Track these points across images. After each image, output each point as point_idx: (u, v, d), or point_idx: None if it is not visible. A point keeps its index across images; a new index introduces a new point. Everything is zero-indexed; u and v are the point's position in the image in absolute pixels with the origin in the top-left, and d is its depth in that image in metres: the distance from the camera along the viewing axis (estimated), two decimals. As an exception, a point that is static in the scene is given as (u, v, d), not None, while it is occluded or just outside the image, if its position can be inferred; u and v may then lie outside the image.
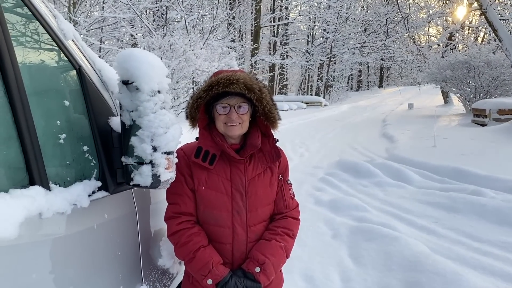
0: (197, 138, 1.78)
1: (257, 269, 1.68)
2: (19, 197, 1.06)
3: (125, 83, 1.40)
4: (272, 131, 1.80)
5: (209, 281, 1.62)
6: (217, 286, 1.63)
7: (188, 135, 1.79)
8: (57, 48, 1.38)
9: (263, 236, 1.78)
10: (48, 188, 1.20)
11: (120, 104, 1.43)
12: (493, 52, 17.98)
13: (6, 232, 0.98)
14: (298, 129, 17.53)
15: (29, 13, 1.26)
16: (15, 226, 1.00)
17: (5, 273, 0.99)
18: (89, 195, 1.36)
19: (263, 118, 1.75)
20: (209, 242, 1.72)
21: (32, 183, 1.15)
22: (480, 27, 29.48)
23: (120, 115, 1.44)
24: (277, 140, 1.82)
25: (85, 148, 1.42)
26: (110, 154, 1.48)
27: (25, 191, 1.10)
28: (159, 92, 1.40)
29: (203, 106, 1.73)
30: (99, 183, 1.44)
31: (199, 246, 1.66)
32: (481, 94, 18.02)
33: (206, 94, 1.67)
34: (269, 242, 1.75)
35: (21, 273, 1.04)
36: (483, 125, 13.84)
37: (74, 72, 1.44)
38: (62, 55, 1.40)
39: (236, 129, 1.69)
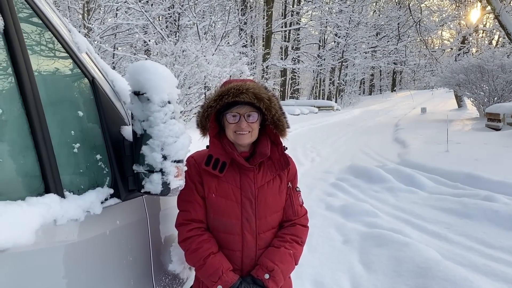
0: (207, 146, 1.82)
1: (266, 276, 1.70)
2: (35, 205, 1.10)
3: (137, 94, 1.44)
4: (281, 139, 1.83)
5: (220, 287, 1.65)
6: None
7: (199, 143, 1.83)
8: (71, 61, 1.43)
9: (272, 243, 1.81)
10: (63, 196, 1.24)
11: (131, 114, 1.48)
12: (507, 56, 17.77)
13: (23, 238, 1.02)
14: (309, 134, 17.52)
15: (44, 26, 1.32)
16: (31, 232, 1.04)
17: (21, 279, 1.03)
18: (102, 202, 1.41)
19: (272, 127, 1.78)
20: (219, 249, 1.75)
21: (47, 191, 1.20)
22: (494, 30, 29.20)
23: (132, 124, 1.49)
24: (286, 148, 1.85)
25: (98, 156, 1.46)
26: (122, 162, 1.53)
27: (41, 198, 1.15)
28: (169, 102, 1.45)
29: (213, 114, 1.77)
30: (112, 191, 1.48)
31: (209, 253, 1.70)
32: (495, 98, 17.81)
33: (216, 104, 1.71)
34: (278, 249, 1.77)
35: (37, 278, 1.08)
36: (497, 129, 13.68)
37: (87, 83, 1.50)
38: (76, 67, 1.45)
39: (245, 138, 1.73)
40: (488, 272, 3.81)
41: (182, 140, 1.47)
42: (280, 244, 1.79)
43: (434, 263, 3.75)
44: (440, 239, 4.80)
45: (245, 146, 1.78)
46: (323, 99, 40.31)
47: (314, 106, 30.83)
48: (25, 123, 1.16)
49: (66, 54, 1.41)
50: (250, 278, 1.73)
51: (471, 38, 27.18)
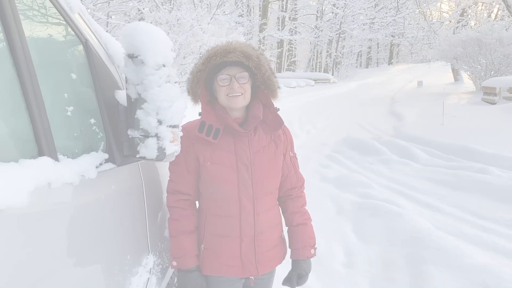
0: (200, 114, 1.79)
1: (312, 251, 1.95)
2: (29, 167, 1.09)
3: (131, 56, 1.41)
4: (272, 100, 1.81)
5: (174, 263, 1.75)
6: (179, 271, 1.77)
7: (192, 110, 1.80)
8: (63, 22, 1.39)
9: (295, 221, 1.96)
10: (57, 159, 1.22)
11: (125, 77, 1.45)
12: (506, 29, 17.59)
13: (17, 200, 1.01)
14: (306, 106, 17.47)
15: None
16: (25, 194, 1.03)
17: (16, 240, 1.03)
18: (97, 167, 1.39)
19: (263, 87, 1.75)
20: (195, 230, 1.80)
21: (41, 154, 1.18)
22: (493, 3, 28.81)
23: (126, 88, 1.46)
24: (278, 109, 1.82)
25: (92, 120, 1.44)
26: (116, 127, 1.51)
27: (34, 161, 1.13)
28: (164, 65, 1.41)
29: (203, 82, 1.75)
30: (106, 155, 1.47)
31: (184, 230, 1.75)
32: (492, 72, 17.73)
33: (205, 67, 1.69)
34: (306, 225, 2.00)
35: (32, 240, 1.08)
36: (493, 103, 13.67)
37: (80, 46, 1.46)
38: (68, 28, 1.41)
39: (239, 100, 1.70)
40: (479, 242, 3.88)
41: (177, 104, 1.44)
42: (305, 220, 2.00)
43: (427, 233, 3.81)
44: (433, 210, 4.86)
45: (239, 109, 1.75)
46: (319, 71, 39.97)
47: (311, 79, 30.58)
48: (17, 85, 1.13)
49: (58, 15, 1.36)
50: (298, 264, 1.95)
51: (470, 11, 26.85)
